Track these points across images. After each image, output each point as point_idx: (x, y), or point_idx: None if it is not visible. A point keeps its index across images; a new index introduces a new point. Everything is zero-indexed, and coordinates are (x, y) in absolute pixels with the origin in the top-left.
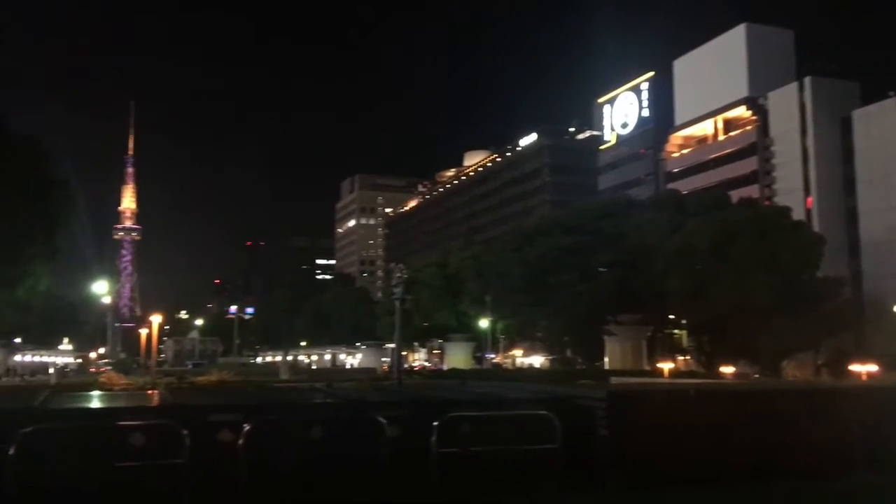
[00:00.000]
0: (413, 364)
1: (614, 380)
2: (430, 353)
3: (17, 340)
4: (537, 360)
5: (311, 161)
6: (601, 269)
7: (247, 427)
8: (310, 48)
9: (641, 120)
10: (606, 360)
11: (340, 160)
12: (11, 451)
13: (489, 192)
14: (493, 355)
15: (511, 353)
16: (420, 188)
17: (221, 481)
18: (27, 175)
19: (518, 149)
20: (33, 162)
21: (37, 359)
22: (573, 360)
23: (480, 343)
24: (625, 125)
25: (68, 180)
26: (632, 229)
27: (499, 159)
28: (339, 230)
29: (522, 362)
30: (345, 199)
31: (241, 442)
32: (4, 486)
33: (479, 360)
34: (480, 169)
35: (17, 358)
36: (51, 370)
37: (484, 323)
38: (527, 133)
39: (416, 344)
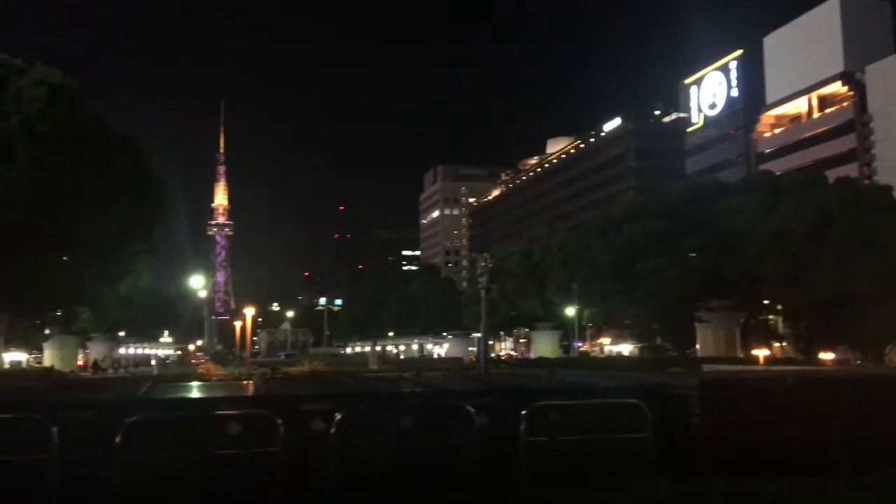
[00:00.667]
0: (500, 353)
1: (707, 367)
2: (516, 341)
3: (122, 334)
4: (626, 349)
5: (395, 154)
6: (690, 255)
7: (338, 416)
8: (394, 46)
9: (730, 100)
10: (698, 347)
11: (424, 152)
12: (117, 440)
13: (573, 178)
14: (580, 343)
15: (599, 341)
16: (503, 177)
17: (314, 469)
18: (127, 175)
19: (602, 134)
20: (132, 162)
21: (140, 351)
22: (663, 348)
23: (567, 331)
24: (713, 106)
25: (164, 179)
26: (722, 213)
27: (582, 145)
28: (424, 221)
29: (610, 350)
30: (428, 190)
31: (332, 431)
32: (112, 471)
33: (566, 348)
34: (564, 156)
35: (122, 350)
36: (153, 362)
37: (570, 311)
38: (611, 118)
39: (502, 333)
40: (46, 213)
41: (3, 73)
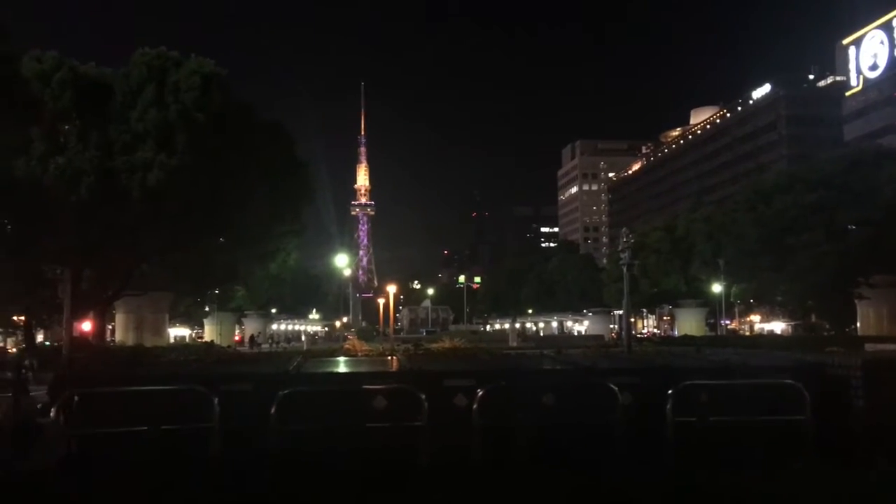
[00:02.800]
0: (642, 331)
1: (869, 346)
2: (659, 319)
3: (273, 310)
4: (778, 327)
5: (533, 131)
6: (850, 228)
7: (480, 392)
8: (529, 24)
9: (893, 60)
10: (859, 325)
11: (562, 127)
12: (272, 411)
13: (719, 149)
14: (728, 321)
15: (748, 319)
16: (644, 150)
17: (457, 444)
18: (275, 159)
19: (750, 102)
20: (280, 147)
21: (290, 327)
22: (819, 326)
23: (714, 309)
24: (874, 67)
25: (309, 162)
26: (884, 182)
27: (729, 115)
28: (562, 197)
29: (761, 329)
30: (566, 165)
31: (475, 406)
32: (268, 441)
33: (712, 326)
34: (709, 126)
35: (274, 326)
36: (302, 337)
37: (717, 287)
38: (759, 84)
39: (644, 310)
40: (203, 198)
41: (161, 66)
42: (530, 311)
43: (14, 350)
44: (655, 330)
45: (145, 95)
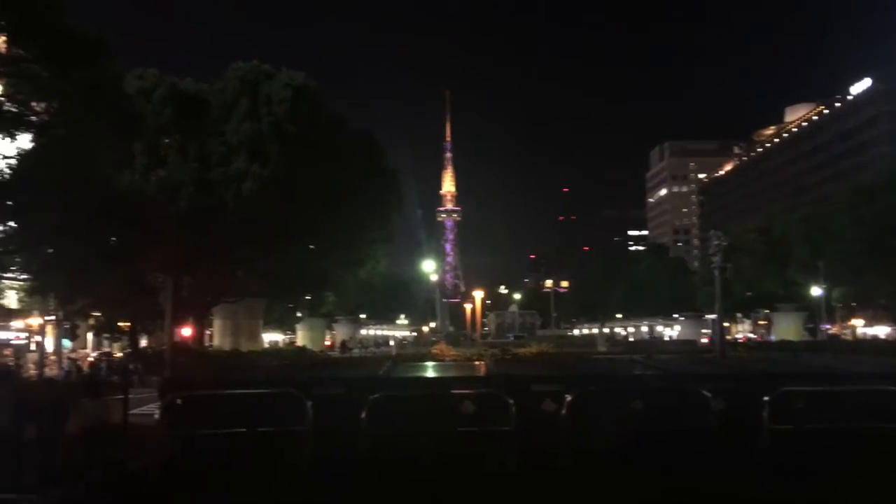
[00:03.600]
0: (736, 336)
1: None
2: (754, 324)
3: (363, 316)
4: (882, 331)
5: (620, 132)
6: None
7: (568, 397)
8: (615, 23)
9: None
10: None
11: (650, 128)
12: (363, 415)
13: (816, 148)
14: (828, 326)
15: (849, 323)
16: (735, 150)
17: (545, 449)
18: (364, 167)
19: (849, 98)
20: (368, 155)
21: (379, 332)
22: None
23: (812, 313)
24: None
25: (396, 169)
26: None
27: (826, 111)
28: (650, 200)
29: (864, 333)
30: (654, 167)
31: (563, 412)
32: (359, 444)
33: (811, 331)
34: (805, 123)
35: (363, 332)
36: (391, 342)
37: (816, 291)
38: (858, 79)
39: (738, 315)
40: (295, 207)
41: (254, 79)
42: (619, 315)
43: (120, 354)
44: (751, 335)
45: (239, 108)
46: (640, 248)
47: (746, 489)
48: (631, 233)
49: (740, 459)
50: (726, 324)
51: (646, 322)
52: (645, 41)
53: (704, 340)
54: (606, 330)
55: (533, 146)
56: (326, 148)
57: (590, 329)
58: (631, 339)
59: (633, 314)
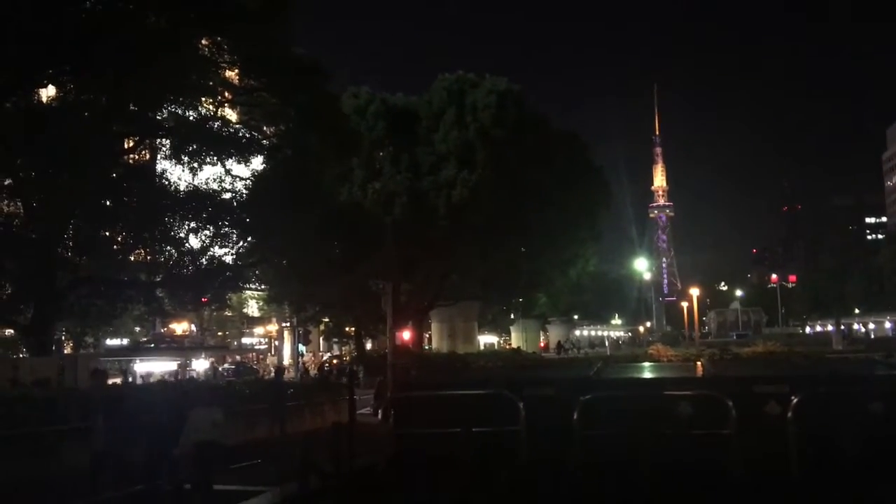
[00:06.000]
0: None
1: None
2: None
3: (575, 317)
4: None
5: (848, 111)
6: None
7: (795, 399)
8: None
9: None
10: None
11: (883, 104)
12: (574, 416)
13: None
14: None
15: None
16: None
17: (769, 455)
18: (571, 166)
19: None
20: (575, 154)
21: (593, 333)
22: None
23: None
24: None
25: (604, 166)
26: None
27: None
28: (889, 183)
29: None
30: (893, 147)
31: (789, 415)
32: (571, 447)
33: None
34: None
35: (577, 332)
36: (605, 343)
37: None
38: None
39: None
40: (503, 210)
41: (459, 89)
42: (857, 310)
43: (347, 358)
44: None
45: (446, 118)
46: (879, 236)
47: None
48: (868, 220)
49: None
50: None
51: (889, 317)
52: (873, 13)
53: None
54: (843, 327)
55: (750, 133)
56: (533, 150)
57: (823, 326)
58: (872, 336)
59: (873, 309)
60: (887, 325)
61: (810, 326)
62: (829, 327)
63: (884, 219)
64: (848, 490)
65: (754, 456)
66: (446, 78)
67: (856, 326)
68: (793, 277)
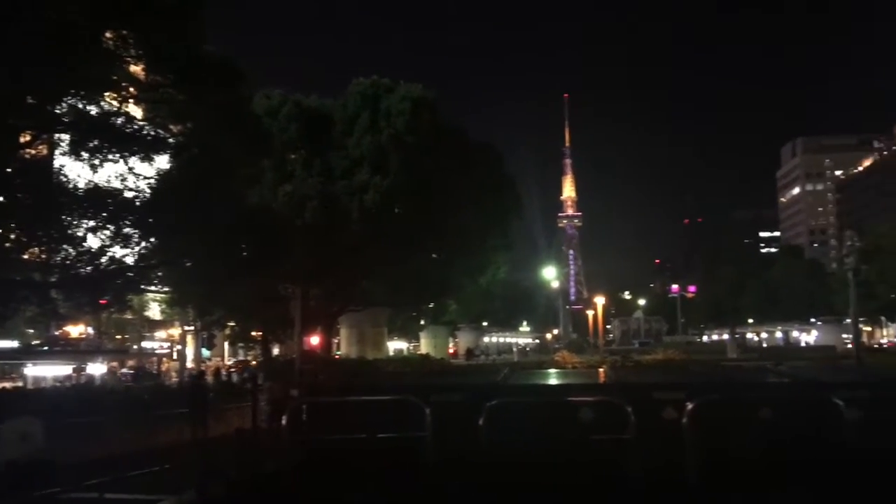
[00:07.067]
0: (880, 341)
1: None
2: None
3: (485, 323)
4: None
5: (748, 130)
6: None
7: (690, 405)
8: (734, 14)
9: None
10: None
11: (780, 125)
12: (480, 422)
13: None
14: None
15: None
16: (876, 145)
17: (666, 459)
18: (483, 176)
19: None
20: (488, 163)
21: (501, 340)
22: None
23: None
24: None
25: (516, 176)
26: None
27: None
28: (783, 199)
29: None
30: (786, 165)
31: (685, 420)
32: (477, 451)
33: None
34: None
35: (485, 339)
36: (513, 350)
37: None
38: None
39: (883, 318)
40: (417, 216)
41: (374, 94)
42: (751, 320)
43: (254, 362)
44: None
45: (360, 123)
46: (774, 250)
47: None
48: (763, 234)
49: (880, 471)
50: (868, 328)
51: (780, 327)
52: (776, 33)
53: (849, 346)
54: (738, 336)
55: (657, 148)
56: (446, 157)
57: (720, 335)
58: (765, 345)
59: (766, 319)
60: (778, 334)
61: (708, 335)
62: (725, 336)
63: (777, 233)
64: (740, 493)
65: (653, 459)
66: (361, 82)
67: (750, 336)
68: (693, 288)
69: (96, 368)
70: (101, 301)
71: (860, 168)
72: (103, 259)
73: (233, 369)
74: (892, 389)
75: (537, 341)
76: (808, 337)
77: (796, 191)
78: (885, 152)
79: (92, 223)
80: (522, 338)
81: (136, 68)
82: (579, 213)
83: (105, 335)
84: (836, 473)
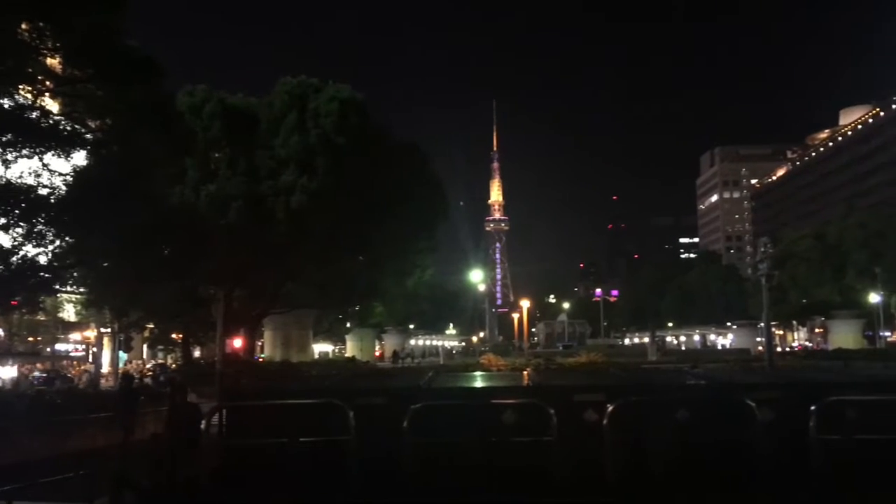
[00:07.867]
0: (792, 344)
1: None
2: (811, 332)
3: (411, 326)
4: None
5: (670, 139)
6: None
7: (610, 407)
8: (664, 24)
9: None
10: None
11: (700, 134)
12: (404, 425)
13: (873, 151)
14: (888, 334)
15: None
16: (789, 155)
17: (588, 460)
18: (410, 177)
19: None
20: (416, 166)
21: (428, 342)
22: None
23: (871, 320)
24: None
25: (442, 178)
26: None
27: (882, 113)
28: (702, 206)
29: None
30: (705, 174)
31: (605, 422)
32: (402, 453)
33: (871, 339)
34: (861, 126)
35: (412, 342)
36: (440, 352)
37: (875, 297)
38: None
39: (794, 322)
40: (343, 218)
41: (301, 93)
42: (671, 324)
43: (174, 365)
44: (807, 343)
45: (287, 122)
46: (692, 255)
47: (792, 500)
48: (682, 240)
49: (786, 470)
50: (782, 332)
51: (698, 331)
52: (694, 43)
53: (761, 349)
54: (658, 339)
55: (583, 155)
56: (374, 159)
57: (641, 338)
58: (683, 348)
59: (685, 323)
60: (696, 337)
61: (629, 338)
62: (646, 339)
63: (696, 239)
64: (657, 493)
65: (575, 461)
66: (289, 81)
67: (669, 339)
68: (615, 293)
69: (6, 372)
70: (12, 302)
71: (774, 177)
72: (15, 259)
73: (150, 373)
74: (800, 390)
75: (463, 344)
76: (724, 340)
77: (714, 198)
78: (797, 162)
79: (3, 220)
80: (449, 341)
81: (52, 61)
82: (506, 217)
83: (16, 337)
84: (748, 472)
